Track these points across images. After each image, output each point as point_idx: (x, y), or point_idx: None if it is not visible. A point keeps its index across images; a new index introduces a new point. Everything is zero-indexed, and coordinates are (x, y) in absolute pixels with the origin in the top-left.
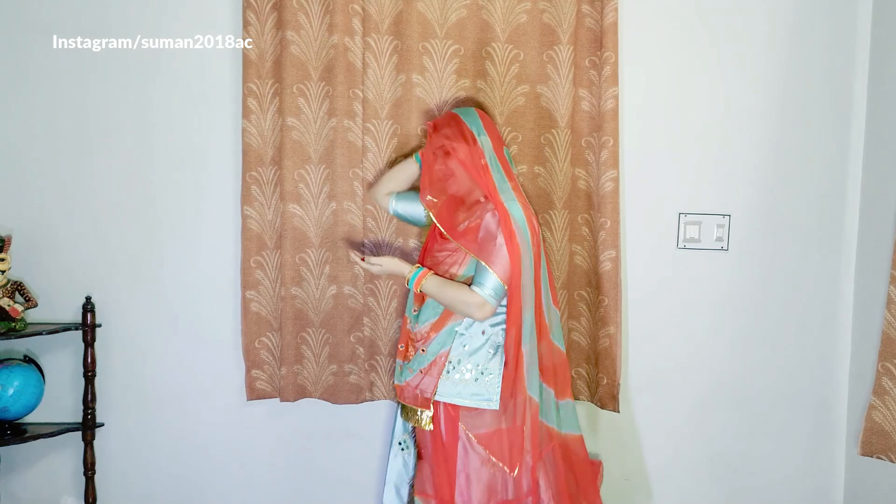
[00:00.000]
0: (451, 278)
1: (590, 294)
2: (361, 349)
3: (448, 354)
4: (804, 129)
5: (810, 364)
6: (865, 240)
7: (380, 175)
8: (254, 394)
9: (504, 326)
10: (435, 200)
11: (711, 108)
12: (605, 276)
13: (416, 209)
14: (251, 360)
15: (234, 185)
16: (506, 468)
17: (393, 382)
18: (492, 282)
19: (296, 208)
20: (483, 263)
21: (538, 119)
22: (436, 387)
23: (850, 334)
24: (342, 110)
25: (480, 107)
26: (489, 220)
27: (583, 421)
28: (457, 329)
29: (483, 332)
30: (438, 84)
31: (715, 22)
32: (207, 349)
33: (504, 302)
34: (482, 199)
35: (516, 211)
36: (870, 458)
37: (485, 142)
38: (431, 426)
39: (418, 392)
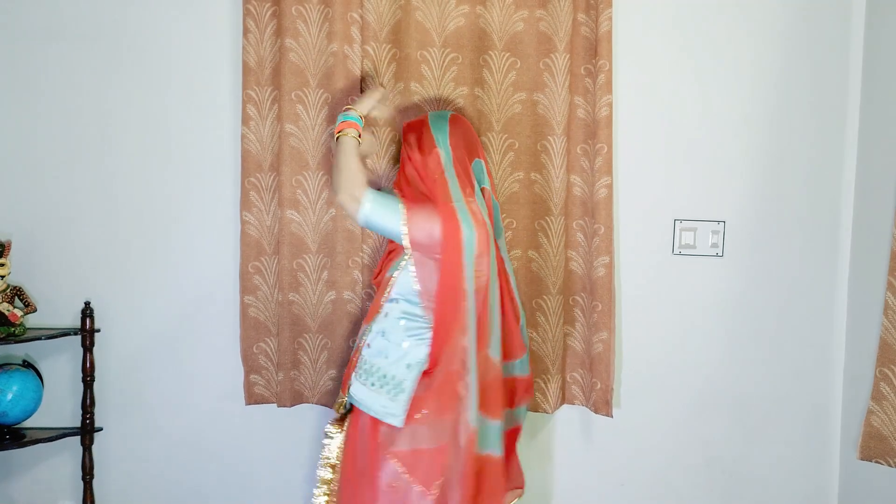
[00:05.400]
0: (389, 276)
1: (584, 299)
2: None
3: (364, 347)
4: (798, 135)
5: (805, 369)
6: (859, 246)
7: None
8: (252, 398)
9: (427, 344)
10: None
11: (706, 115)
12: (598, 281)
13: (392, 223)
14: (249, 365)
15: (233, 191)
16: (421, 489)
17: None
18: (385, 206)
19: (293, 214)
20: (402, 202)
21: (535, 126)
22: (349, 378)
23: (845, 339)
24: None
25: (478, 111)
26: (435, 220)
27: (577, 426)
28: (383, 322)
29: (404, 345)
30: (436, 92)
31: (708, 30)
32: (206, 354)
33: (430, 318)
34: None
35: (467, 227)
36: (868, 462)
37: (443, 152)
38: (342, 413)
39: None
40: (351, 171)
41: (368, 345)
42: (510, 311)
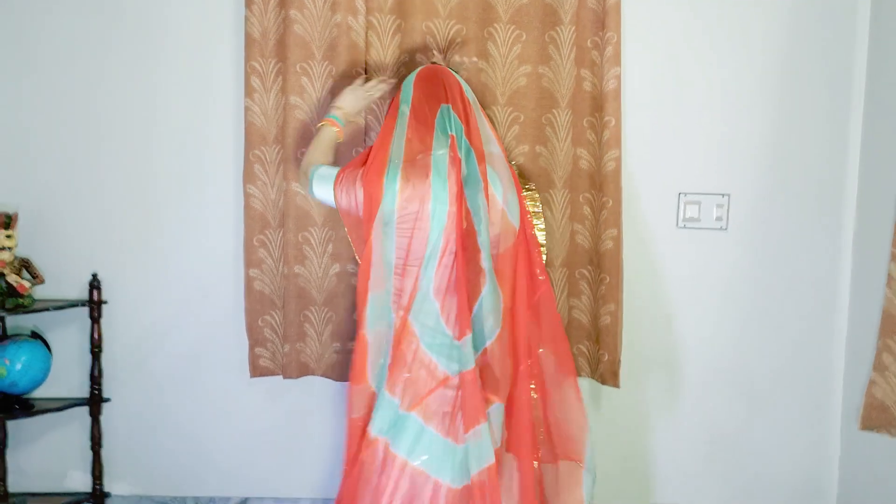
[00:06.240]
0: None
1: (590, 272)
2: None
3: None
4: (803, 108)
5: (808, 341)
6: (863, 219)
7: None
8: (257, 371)
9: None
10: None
11: (712, 89)
12: (606, 254)
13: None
14: (254, 338)
15: (237, 164)
16: None
17: None
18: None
19: (299, 187)
20: (338, 170)
21: (539, 99)
22: None
23: (847, 310)
24: None
25: (483, 84)
26: (359, 184)
27: (585, 398)
28: None
29: None
30: (441, 64)
31: (717, 3)
32: (212, 326)
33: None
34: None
35: (389, 185)
36: (869, 432)
37: (406, 109)
38: None
39: None
40: (310, 154)
41: None
42: (463, 279)
